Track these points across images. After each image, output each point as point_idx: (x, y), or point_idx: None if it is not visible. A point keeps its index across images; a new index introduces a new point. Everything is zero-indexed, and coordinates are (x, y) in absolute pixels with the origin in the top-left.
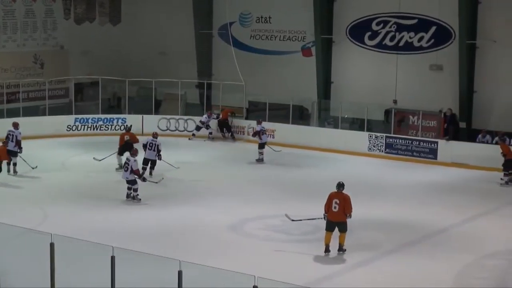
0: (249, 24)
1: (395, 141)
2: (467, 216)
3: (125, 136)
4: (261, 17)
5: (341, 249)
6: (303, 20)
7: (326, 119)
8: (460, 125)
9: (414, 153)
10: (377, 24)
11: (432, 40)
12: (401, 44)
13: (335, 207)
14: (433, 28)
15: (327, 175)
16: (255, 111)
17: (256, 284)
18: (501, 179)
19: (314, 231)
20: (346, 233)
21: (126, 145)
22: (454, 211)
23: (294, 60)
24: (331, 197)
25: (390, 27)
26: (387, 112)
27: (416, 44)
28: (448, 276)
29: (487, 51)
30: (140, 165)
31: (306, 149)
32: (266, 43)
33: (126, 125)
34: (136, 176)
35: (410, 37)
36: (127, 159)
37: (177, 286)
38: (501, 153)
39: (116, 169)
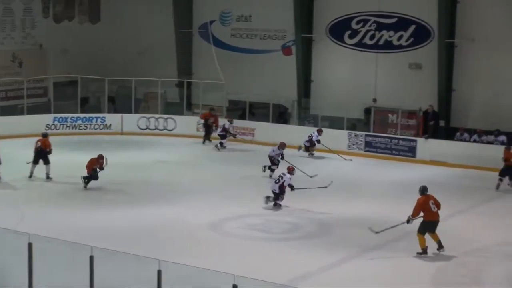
0: (230, 23)
1: (375, 139)
2: (446, 214)
3: (37, 143)
4: (242, 16)
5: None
6: (284, 19)
7: (306, 118)
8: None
9: (393, 152)
10: (357, 23)
11: (412, 39)
12: (380, 42)
13: (434, 208)
14: (412, 27)
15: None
16: (235, 110)
17: (235, 283)
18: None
19: (293, 230)
20: None
21: (39, 153)
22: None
23: (274, 59)
24: (426, 201)
25: (370, 26)
26: (367, 111)
27: (395, 42)
28: (426, 273)
29: (465, 50)
30: None
31: (286, 148)
32: (246, 42)
33: (44, 132)
34: (280, 191)
35: (389, 36)
36: (282, 173)
37: (156, 286)
38: (502, 157)
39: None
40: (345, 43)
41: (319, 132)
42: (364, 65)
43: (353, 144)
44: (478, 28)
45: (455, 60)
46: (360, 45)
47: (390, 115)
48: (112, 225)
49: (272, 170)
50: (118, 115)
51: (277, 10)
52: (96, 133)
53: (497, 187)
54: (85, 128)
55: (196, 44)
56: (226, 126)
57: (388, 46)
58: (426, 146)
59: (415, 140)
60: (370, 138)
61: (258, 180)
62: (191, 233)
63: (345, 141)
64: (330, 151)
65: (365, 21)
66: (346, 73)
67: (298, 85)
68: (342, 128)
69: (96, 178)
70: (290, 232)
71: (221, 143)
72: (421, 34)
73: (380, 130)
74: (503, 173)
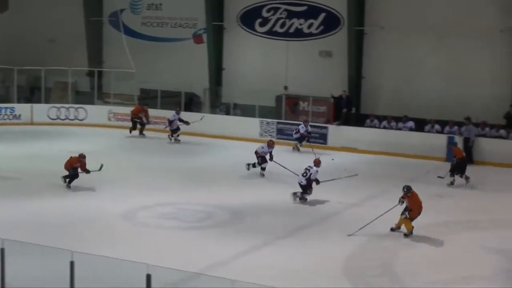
0: (140, 11)
1: (286, 126)
2: (358, 199)
3: None
4: (152, 4)
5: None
6: (194, 7)
7: (218, 106)
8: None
9: None
10: (268, 11)
11: (322, 27)
12: (291, 30)
13: (420, 199)
14: (323, 15)
15: (220, 162)
16: (147, 98)
17: (149, 272)
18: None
19: (206, 218)
20: None
21: None
22: (345, 194)
23: (185, 47)
24: (417, 197)
25: (281, 14)
26: (278, 98)
27: (306, 30)
28: (341, 258)
29: (374, 38)
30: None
31: (199, 136)
32: (157, 30)
33: None
34: (307, 183)
35: (300, 24)
36: (309, 166)
37: (69, 277)
38: (454, 156)
39: None
40: (256, 31)
41: (306, 123)
42: (275, 53)
43: (265, 132)
44: (387, 16)
45: (365, 48)
46: (271, 33)
47: (301, 103)
48: (23, 217)
49: (263, 169)
50: (28, 105)
51: None
52: (5, 124)
53: (452, 182)
54: None
55: (106, 33)
56: (171, 119)
57: (299, 34)
58: (337, 132)
59: (326, 127)
60: (281, 126)
61: (170, 169)
62: (104, 223)
63: (257, 129)
64: (311, 146)
65: (276, 9)
66: (258, 61)
67: (209, 73)
68: (254, 116)
69: (76, 176)
70: (203, 221)
71: (172, 136)
72: (331, 22)
73: (291, 118)
74: (454, 170)
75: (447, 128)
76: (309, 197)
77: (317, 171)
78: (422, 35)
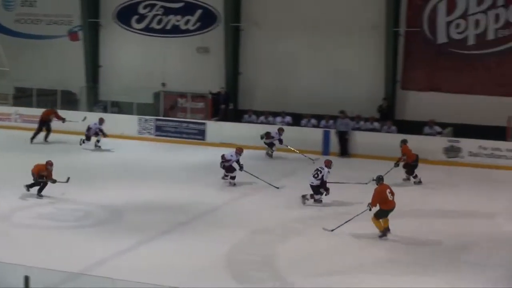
0: (14, 8)
1: (165, 123)
2: (238, 193)
3: None
4: (26, 1)
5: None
6: (70, 4)
7: (95, 104)
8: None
9: (184, 135)
10: (144, 7)
11: (199, 23)
12: (168, 27)
13: (390, 197)
14: (199, 11)
15: (98, 160)
16: (22, 97)
17: (27, 274)
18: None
19: (85, 217)
20: None
21: None
22: (225, 189)
23: (61, 44)
24: (383, 190)
25: (157, 10)
26: (156, 95)
27: (183, 27)
28: (222, 252)
29: (250, 34)
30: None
31: (76, 135)
32: (31, 28)
33: None
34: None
35: (177, 20)
36: (320, 167)
37: None
38: (404, 156)
39: None
40: (133, 28)
41: (280, 131)
42: (152, 50)
43: (144, 129)
44: (262, 12)
45: (241, 44)
46: (148, 29)
47: (179, 99)
48: None
49: (233, 178)
50: None
51: None
52: None
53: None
54: None
55: None
56: (92, 126)
57: (176, 30)
58: (216, 128)
59: (204, 123)
60: (160, 123)
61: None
62: None
63: (135, 126)
64: (293, 151)
65: (152, 6)
66: (135, 58)
67: (86, 71)
68: (132, 113)
69: (45, 184)
70: (82, 220)
71: (94, 140)
72: (207, 18)
73: (170, 114)
74: (412, 170)
75: (323, 122)
76: (321, 198)
77: (328, 172)
78: (297, 31)
